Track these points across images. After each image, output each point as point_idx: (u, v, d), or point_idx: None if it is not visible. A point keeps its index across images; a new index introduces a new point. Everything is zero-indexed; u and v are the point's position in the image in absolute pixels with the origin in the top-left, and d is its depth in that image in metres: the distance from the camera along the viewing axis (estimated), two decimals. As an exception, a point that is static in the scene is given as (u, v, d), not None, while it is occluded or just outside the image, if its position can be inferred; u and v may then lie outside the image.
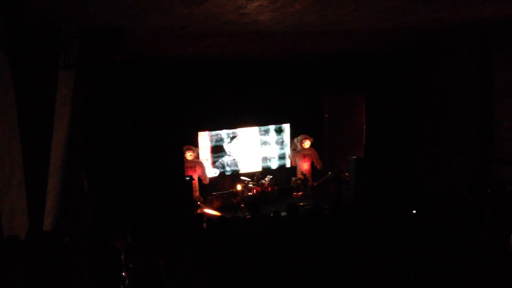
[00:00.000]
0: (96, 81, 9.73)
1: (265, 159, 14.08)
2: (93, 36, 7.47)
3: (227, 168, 13.64)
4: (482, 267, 4.04)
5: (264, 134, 13.98)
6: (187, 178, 11.52)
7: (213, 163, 13.42)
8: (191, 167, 12.61)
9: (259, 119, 13.68)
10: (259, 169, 13.91)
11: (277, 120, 14.00)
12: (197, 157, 12.97)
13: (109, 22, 7.12)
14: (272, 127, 14.05)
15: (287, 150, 14.26)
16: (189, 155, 12.60)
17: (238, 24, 7.57)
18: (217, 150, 13.47)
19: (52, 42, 6.74)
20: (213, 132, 13.30)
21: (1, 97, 5.76)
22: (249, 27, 8.04)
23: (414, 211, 6.64)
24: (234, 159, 13.66)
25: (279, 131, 14.17)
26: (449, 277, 4.10)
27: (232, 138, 13.57)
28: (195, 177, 12.62)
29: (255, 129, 13.85)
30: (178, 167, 11.11)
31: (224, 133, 13.47)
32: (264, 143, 14.02)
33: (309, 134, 14.00)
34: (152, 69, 10.84)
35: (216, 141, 13.43)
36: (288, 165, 14.41)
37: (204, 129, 13.19)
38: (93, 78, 9.51)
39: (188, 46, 9.77)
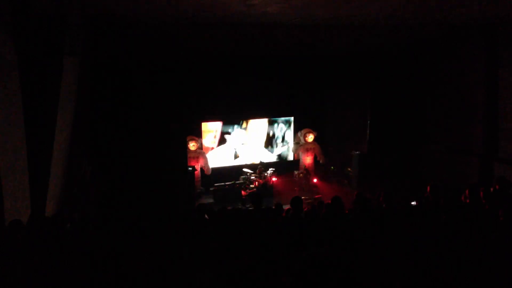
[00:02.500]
0: (100, 68, 9.71)
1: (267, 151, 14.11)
2: (99, 23, 7.44)
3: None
4: (484, 265, 4.03)
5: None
6: (189, 169, 11.53)
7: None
8: (194, 158, 12.63)
9: (264, 111, 13.67)
10: (261, 161, 13.93)
11: (281, 113, 13.98)
12: (200, 147, 12.99)
13: (115, 10, 7.09)
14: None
15: (290, 144, 14.27)
16: (192, 146, 12.61)
17: (245, 15, 7.52)
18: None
19: (58, 29, 6.72)
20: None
21: (6, 83, 5.76)
22: (257, 19, 8.00)
23: (414, 203, 6.64)
24: (234, 149, 13.72)
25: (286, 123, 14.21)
26: (450, 276, 4.10)
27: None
28: (198, 167, 12.64)
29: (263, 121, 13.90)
30: (181, 157, 11.12)
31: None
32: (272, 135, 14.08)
33: (312, 128, 13.98)
34: (156, 58, 10.81)
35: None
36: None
37: (207, 120, 13.20)
38: (98, 65, 9.50)
39: (194, 37, 9.74)
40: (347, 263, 2.36)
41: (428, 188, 6.88)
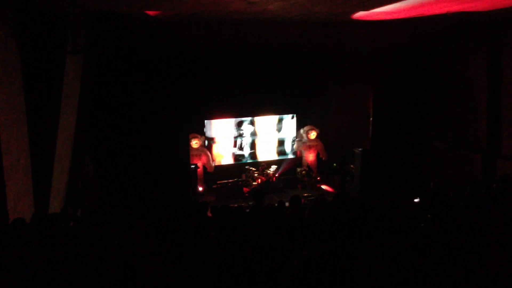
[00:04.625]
0: (103, 66, 9.72)
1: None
2: (101, 21, 7.45)
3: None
4: (486, 263, 4.03)
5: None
6: (192, 166, 11.55)
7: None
8: (196, 155, 12.65)
9: (265, 109, 13.67)
10: (270, 158, 13.95)
11: (284, 111, 13.98)
12: (203, 145, 13.01)
13: (117, 8, 7.09)
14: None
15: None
16: (194, 143, 12.63)
17: (247, 13, 7.52)
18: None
19: (61, 27, 6.74)
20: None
21: (9, 81, 5.78)
22: (258, 16, 7.99)
23: (416, 200, 6.64)
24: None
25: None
26: (452, 272, 4.09)
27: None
28: (200, 165, 12.66)
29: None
30: (184, 155, 11.14)
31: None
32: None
33: (315, 125, 13.97)
34: (160, 56, 10.81)
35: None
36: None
37: (210, 117, 13.21)
38: (100, 63, 9.50)
39: (196, 34, 9.74)
40: (347, 260, 2.36)
41: (431, 185, 6.89)
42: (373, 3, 7.01)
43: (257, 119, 13.69)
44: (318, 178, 13.67)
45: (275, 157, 14.15)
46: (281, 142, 14.15)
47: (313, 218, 5.80)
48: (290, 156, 14.28)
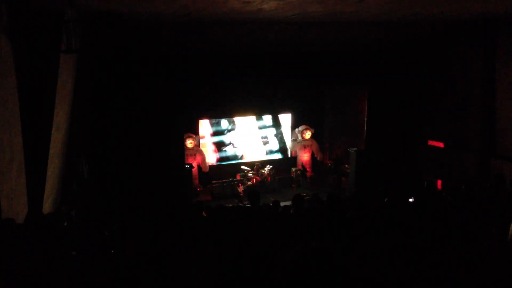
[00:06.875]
0: (97, 66, 9.68)
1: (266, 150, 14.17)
2: (96, 20, 7.42)
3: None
4: (481, 261, 4.05)
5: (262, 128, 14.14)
6: (187, 166, 11.53)
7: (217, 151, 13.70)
8: (191, 155, 12.63)
9: (261, 108, 13.68)
10: (261, 158, 13.96)
11: (279, 110, 13.99)
12: (198, 145, 12.99)
13: (111, 7, 7.07)
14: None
15: (287, 141, 14.30)
16: (189, 143, 12.61)
17: (241, 12, 7.51)
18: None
19: (55, 26, 6.70)
20: (213, 120, 13.52)
21: (3, 80, 5.74)
22: (253, 16, 7.98)
23: (411, 199, 6.67)
24: (235, 148, 13.76)
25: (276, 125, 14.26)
26: (446, 270, 4.11)
27: (230, 130, 13.66)
28: (195, 165, 12.64)
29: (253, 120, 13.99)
30: (178, 155, 11.11)
31: (223, 122, 13.60)
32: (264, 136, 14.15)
33: (310, 125, 13.98)
34: (153, 56, 10.77)
35: (217, 131, 13.57)
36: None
37: (204, 117, 13.20)
38: (95, 63, 9.46)
39: (191, 34, 9.72)
40: (341, 257, 2.36)
41: (425, 184, 6.92)
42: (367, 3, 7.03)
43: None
44: (314, 176, 13.67)
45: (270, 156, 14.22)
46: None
47: (309, 217, 5.81)
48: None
